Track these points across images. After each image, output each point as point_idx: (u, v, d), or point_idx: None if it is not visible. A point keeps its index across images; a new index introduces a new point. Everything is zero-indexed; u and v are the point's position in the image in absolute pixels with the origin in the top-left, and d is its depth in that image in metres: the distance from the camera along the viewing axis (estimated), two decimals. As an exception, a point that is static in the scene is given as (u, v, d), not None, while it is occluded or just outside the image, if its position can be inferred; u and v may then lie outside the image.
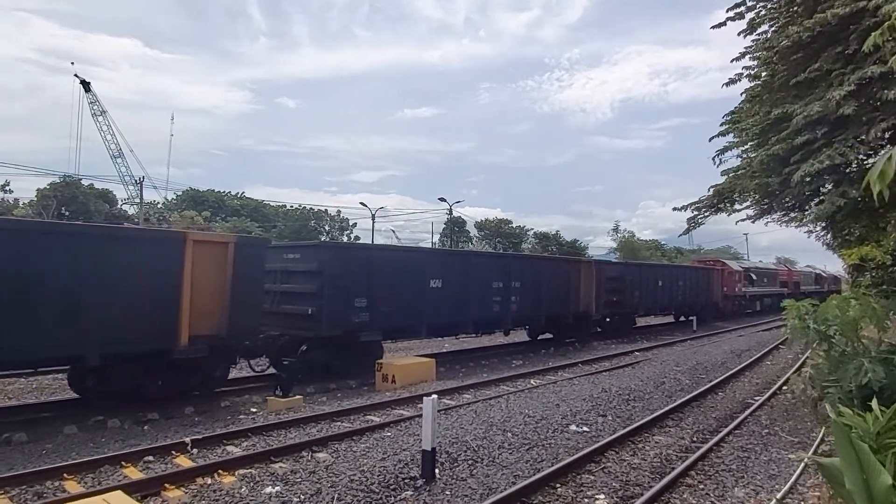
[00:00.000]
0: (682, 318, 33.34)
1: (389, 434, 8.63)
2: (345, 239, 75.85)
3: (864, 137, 9.55)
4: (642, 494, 6.30)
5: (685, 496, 6.48)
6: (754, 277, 42.09)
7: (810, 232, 20.80)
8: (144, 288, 9.78)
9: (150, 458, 7.50)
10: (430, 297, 15.48)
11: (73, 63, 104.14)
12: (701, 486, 6.78)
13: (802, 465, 7.09)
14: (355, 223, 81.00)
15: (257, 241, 13.58)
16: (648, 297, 27.11)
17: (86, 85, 57.14)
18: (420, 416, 7.92)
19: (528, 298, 18.91)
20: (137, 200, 54.92)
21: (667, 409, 10.36)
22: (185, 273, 10.26)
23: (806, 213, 13.56)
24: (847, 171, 10.90)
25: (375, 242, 47.41)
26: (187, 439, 8.02)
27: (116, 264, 9.52)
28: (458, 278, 16.42)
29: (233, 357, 11.75)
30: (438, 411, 7.69)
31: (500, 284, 17.91)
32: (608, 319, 24.66)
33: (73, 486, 6.56)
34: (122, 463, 7.23)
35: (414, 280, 15.14)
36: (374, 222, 58.24)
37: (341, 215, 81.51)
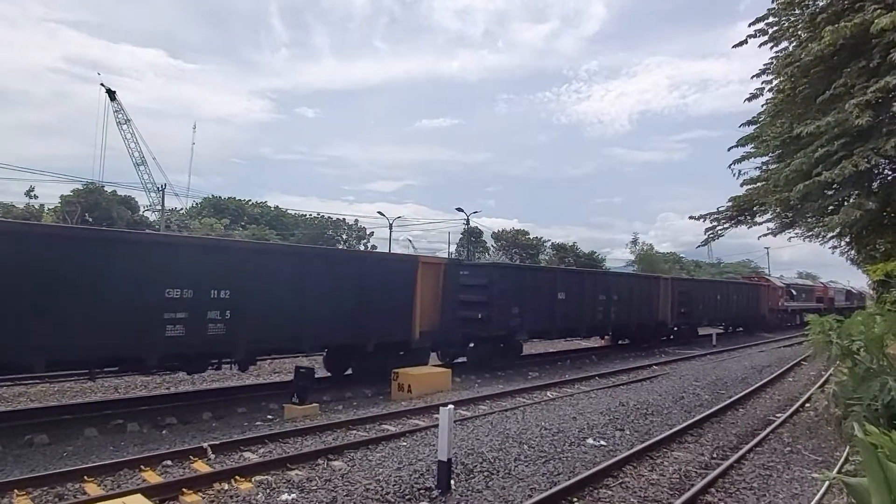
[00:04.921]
0: (731, 329, 36.49)
1: (405, 444, 8.62)
2: (361, 247, 76.54)
3: (883, 148, 9.43)
4: (661, 511, 6.21)
5: (705, 514, 6.37)
6: (794, 293, 44.82)
7: (835, 248, 20.41)
8: (397, 295, 13.85)
9: (169, 462, 7.57)
10: (559, 307, 19.40)
11: (98, 73, 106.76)
12: (721, 504, 6.66)
13: (826, 484, 6.93)
14: (372, 232, 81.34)
15: (457, 263, 17.92)
16: (710, 310, 31.01)
17: (111, 94, 58.19)
18: (436, 426, 7.92)
19: (623, 309, 22.79)
20: (159, 207, 55.67)
21: (686, 424, 10.21)
22: (417, 285, 14.36)
23: (822, 221, 13.42)
24: (866, 183, 10.79)
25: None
26: (206, 444, 8.07)
27: (384, 278, 13.65)
28: (577, 291, 20.30)
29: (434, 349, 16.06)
30: (454, 422, 7.66)
31: (604, 297, 21.69)
32: (676, 329, 28.13)
33: (92, 489, 6.63)
34: (141, 467, 7.31)
35: (548, 293, 19.05)
36: (391, 232, 58.55)
37: (358, 224, 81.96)
